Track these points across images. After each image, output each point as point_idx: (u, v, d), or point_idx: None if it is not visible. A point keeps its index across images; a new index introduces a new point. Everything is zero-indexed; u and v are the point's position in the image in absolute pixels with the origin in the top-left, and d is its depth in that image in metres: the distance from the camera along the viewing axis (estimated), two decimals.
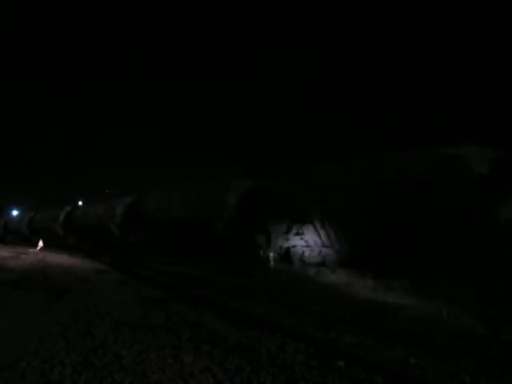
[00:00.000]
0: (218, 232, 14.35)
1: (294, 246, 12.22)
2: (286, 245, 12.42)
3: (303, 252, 11.88)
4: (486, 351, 4.14)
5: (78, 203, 34.67)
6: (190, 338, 4.54)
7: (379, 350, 4.14)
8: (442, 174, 8.90)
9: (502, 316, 5.58)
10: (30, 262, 15.10)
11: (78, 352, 4.06)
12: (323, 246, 11.35)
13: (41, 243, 25.53)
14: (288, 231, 12.30)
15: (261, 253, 12.64)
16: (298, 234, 12.02)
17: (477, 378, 3.47)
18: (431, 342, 4.43)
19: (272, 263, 12.25)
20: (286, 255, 12.37)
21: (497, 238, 7.91)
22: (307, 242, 11.76)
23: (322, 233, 11.28)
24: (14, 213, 46.16)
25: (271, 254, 12.44)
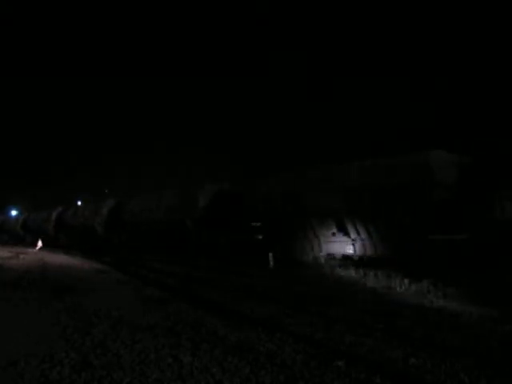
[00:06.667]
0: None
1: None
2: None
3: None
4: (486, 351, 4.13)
5: (77, 203, 35.77)
6: (189, 338, 4.53)
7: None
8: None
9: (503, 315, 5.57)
10: (30, 261, 15.07)
11: (77, 352, 4.06)
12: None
13: (40, 243, 25.52)
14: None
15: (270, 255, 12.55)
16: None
17: (477, 378, 3.47)
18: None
19: (271, 264, 12.24)
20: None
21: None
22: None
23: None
24: (13, 213, 47.15)
25: (270, 254, 12.44)
